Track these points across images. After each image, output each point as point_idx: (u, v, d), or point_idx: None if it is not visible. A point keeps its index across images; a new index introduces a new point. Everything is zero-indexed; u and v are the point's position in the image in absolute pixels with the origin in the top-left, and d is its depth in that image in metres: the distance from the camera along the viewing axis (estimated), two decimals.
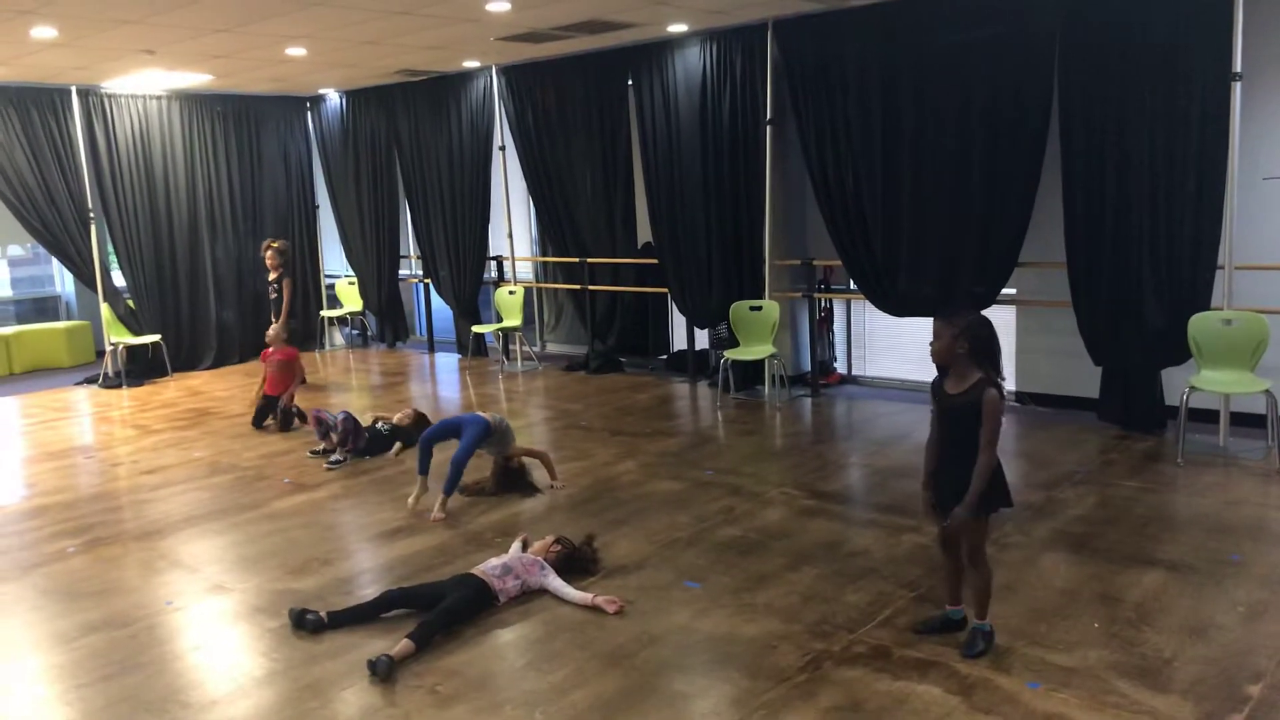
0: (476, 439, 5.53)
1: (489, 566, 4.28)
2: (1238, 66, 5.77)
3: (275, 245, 9.35)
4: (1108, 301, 6.47)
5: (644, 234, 9.18)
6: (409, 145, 10.65)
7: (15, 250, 12.04)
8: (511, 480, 5.74)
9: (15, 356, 10.90)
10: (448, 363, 10.66)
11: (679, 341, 9.53)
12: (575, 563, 4.48)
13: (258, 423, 7.74)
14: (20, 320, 11.75)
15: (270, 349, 7.95)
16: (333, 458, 6.59)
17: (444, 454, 5.57)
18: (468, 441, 5.49)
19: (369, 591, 4.36)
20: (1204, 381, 5.83)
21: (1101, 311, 6.51)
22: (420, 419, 7.00)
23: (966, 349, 3.43)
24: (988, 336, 3.44)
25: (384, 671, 3.60)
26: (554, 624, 4.01)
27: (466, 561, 4.68)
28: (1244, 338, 5.84)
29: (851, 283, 7.87)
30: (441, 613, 3.93)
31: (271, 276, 9.37)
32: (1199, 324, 5.99)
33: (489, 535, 5.07)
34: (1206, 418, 6.19)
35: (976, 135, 6.78)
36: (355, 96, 11.06)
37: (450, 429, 5.64)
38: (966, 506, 3.45)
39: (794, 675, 3.51)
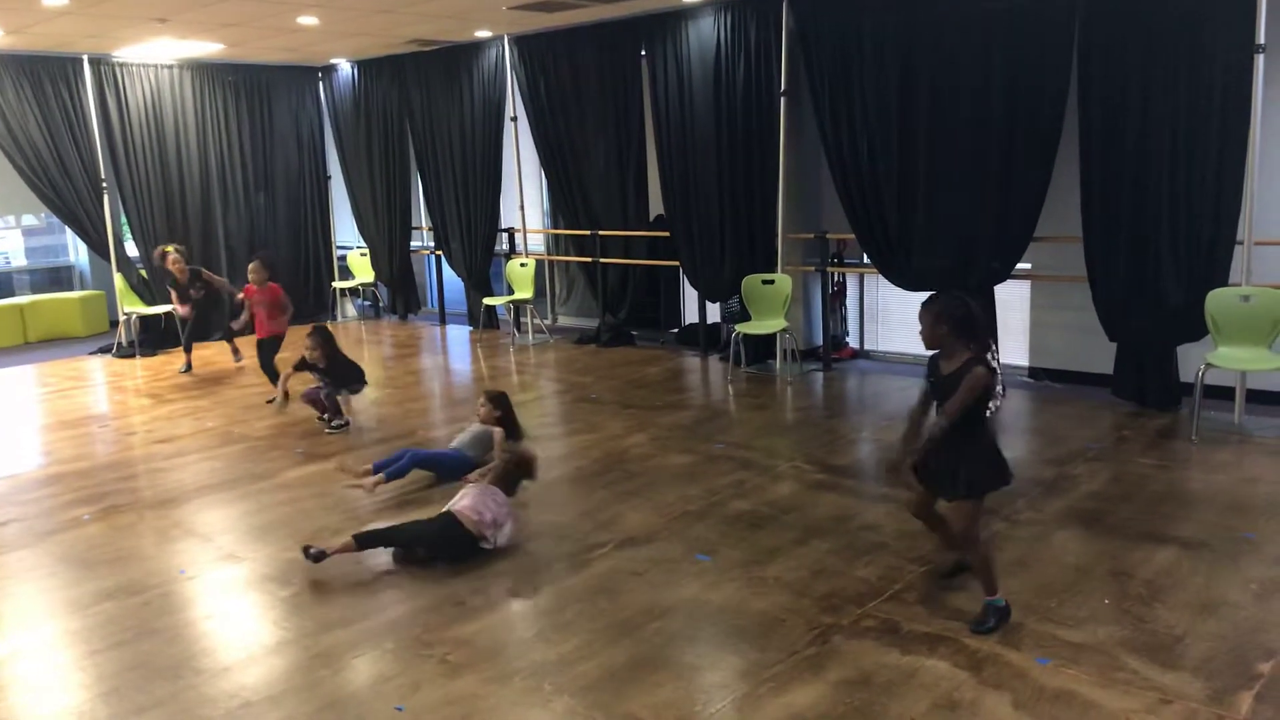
0: (441, 457, 5.58)
1: (464, 507, 4.41)
2: (1261, 38, 5.67)
3: (169, 250, 8.80)
4: (1124, 277, 6.40)
5: (656, 207, 9.13)
6: (421, 116, 10.60)
7: (29, 220, 12.08)
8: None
9: (30, 325, 10.96)
10: (459, 335, 10.67)
11: (690, 315, 9.50)
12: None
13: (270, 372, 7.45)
14: (35, 289, 11.81)
15: (252, 287, 7.49)
16: (334, 423, 6.67)
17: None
18: (436, 454, 5.61)
19: (381, 561, 4.42)
20: (1221, 358, 5.78)
21: (1118, 287, 6.44)
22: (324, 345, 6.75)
23: (947, 330, 3.55)
24: (964, 314, 3.54)
25: (316, 557, 4.21)
26: (564, 595, 4.03)
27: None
28: (1262, 314, 5.77)
29: (865, 257, 7.81)
30: (410, 536, 4.43)
31: (182, 280, 8.75)
32: (1217, 300, 5.93)
33: None
34: (1222, 394, 6.13)
35: (994, 107, 6.68)
36: (367, 66, 11.00)
37: (432, 462, 5.58)
38: (917, 452, 3.59)
39: (803, 649, 3.51)
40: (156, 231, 10.33)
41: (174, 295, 9.00)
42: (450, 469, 5.50)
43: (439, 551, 4.37)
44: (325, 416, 6.79)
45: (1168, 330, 6.32)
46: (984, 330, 3.59)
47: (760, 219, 8.12)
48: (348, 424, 6.66)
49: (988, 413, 3.63)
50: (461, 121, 10.18)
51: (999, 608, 3.62)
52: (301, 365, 6.81)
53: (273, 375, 7.41)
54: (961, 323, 3.52)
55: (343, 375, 6.86)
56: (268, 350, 7.51)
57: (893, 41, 7.07)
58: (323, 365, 6.74)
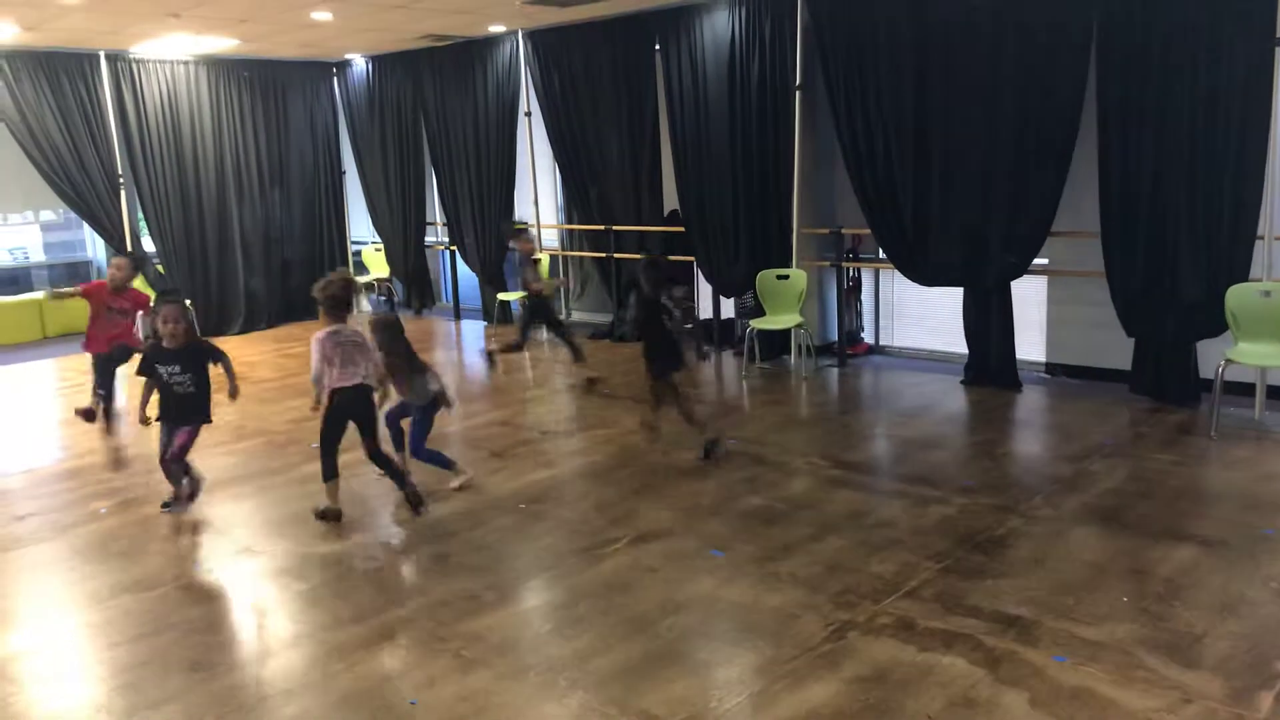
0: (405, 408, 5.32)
1: (337, 380, 4.69)
2: None
3: (520, 226, 7.87)
4: (1143, 272, 6.34)
5: (670, 202, 9.10)
6: (435, 111, 10.61)
7: (47, 215, 12.16)
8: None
9: (48, 320, 11.04)
10: (473, 330, 10.68)
11: (705, 310, 9.47)
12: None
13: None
14: (53, 285, 11.89)
15: (105, 285, 6.25)
16: (168, 502, 5.15)
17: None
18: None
19: (395, 555, 4.42)
20: (1240, 354, 5.72)
21: (1136, 282, 6.39)
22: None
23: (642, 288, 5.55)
24: (647, 272, 5.55)
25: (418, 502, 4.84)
26: (578, 591, 4.03)
27: (491, 526, 4.72)
28: None
29: (880, 251, 7.77)
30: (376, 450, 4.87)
31: (528, 261, 7.65)
32: (1237, 295, 5.87)
33: (513, 502, 5.08)
34: (1242, 391, 6.08)
35: (1010, 101, 6.63)
36: (381, 62, 11.02)
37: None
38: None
39: (818, 645, 3.50)
40: (173, 227, 10.38)
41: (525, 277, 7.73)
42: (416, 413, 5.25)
43: (371, 423, 4.86)
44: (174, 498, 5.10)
45: (1187, 326, 6.26)
46: (655, 283, 5.49)
47: (775, 214, 8.08)
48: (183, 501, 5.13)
49: (665, 323, 5.44)
50: (475, 117, 10.19)
51: (709, 440, 5.52)
52: (147, 360, 4.96)
53: (108, 386, 6.29)
54: (649, 277, 5.50)
55: (201, 360, 5.03)
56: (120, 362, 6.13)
57: (908, 36, 7.01)
58: (180, 344, 4.86)
